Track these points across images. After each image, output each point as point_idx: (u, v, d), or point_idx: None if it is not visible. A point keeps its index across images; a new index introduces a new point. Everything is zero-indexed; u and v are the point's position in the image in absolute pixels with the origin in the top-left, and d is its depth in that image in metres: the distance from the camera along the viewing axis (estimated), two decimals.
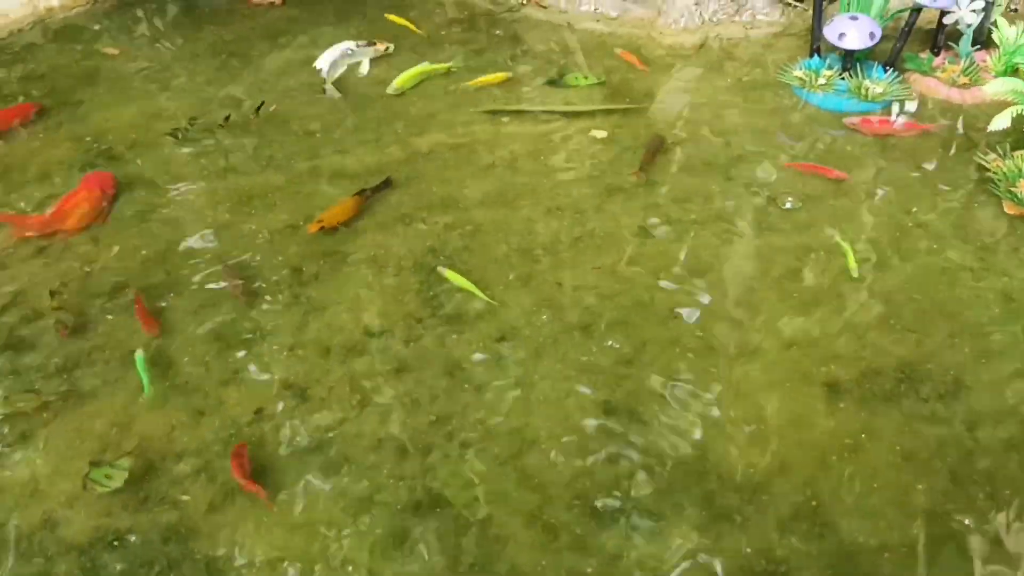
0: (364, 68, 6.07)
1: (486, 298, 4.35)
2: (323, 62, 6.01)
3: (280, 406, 3.90)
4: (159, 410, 3.88)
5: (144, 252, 4.66)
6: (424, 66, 5.95)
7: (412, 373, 4.05)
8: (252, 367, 4.08)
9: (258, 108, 5.51)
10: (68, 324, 4.22)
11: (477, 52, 6.19)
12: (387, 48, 6.18)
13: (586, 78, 5.88)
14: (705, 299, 4.34)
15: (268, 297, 4.40)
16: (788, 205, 4.79)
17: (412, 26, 6.48)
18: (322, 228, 4.68)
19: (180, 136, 5.40)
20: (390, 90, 5.80)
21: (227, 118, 5.45)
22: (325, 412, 3.88)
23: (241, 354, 4.13)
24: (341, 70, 6.04)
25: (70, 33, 6.66)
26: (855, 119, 5.43)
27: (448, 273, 4.46)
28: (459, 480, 3.62)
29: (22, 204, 4.99)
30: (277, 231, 4.77)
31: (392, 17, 6.54)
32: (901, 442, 3.76)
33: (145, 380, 3.95)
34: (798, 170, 4.72)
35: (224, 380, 4.02)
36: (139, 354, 4.02)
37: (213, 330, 4.24)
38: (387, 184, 5.00)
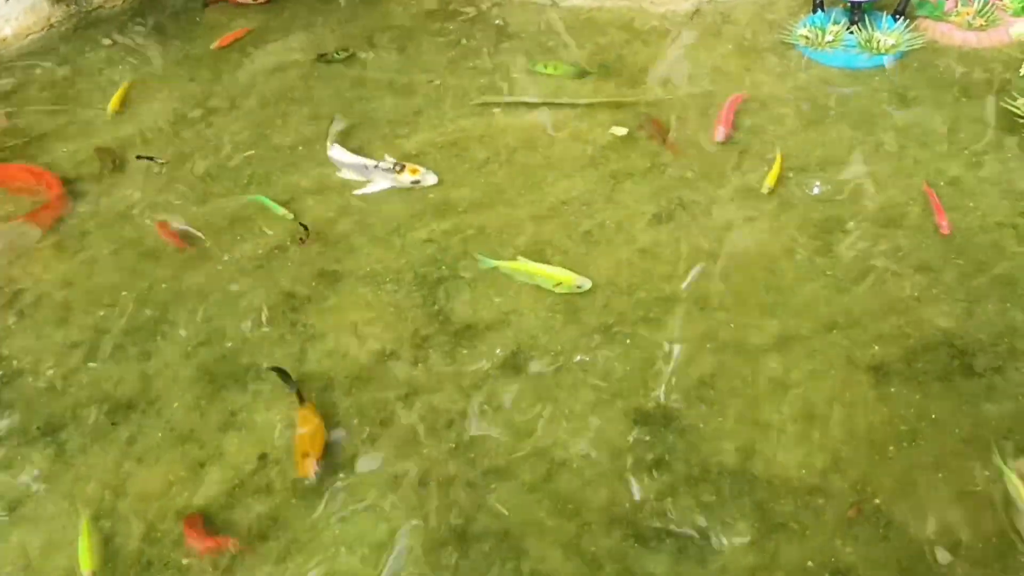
0: (371, 188, 4.79)
1: (577, 280, 4.07)
2: (337, 154, 4.94)
3: (285, 450, 3.59)
4: (153, 465, 3.58)
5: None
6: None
7: (424, 397, 3.74)
8: (251, 408, 3.77)
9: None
10: None
11: (458, 42, 5.83)
12: (417, 180, 4.72)
13: (555, 67, 5.53)
14: (727, 286, 4.00)
15: (267, 328, 4.09)
16: (816, 190, 4.45)
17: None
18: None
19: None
20: None
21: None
22: (335, 451, 3.57)
23: (236, 394, 3.82)
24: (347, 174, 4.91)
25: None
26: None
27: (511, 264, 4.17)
28: (487, 513, 3.32)
29: None
30: (264, 254, 4.44)
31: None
32: (960, 424, 3.45)
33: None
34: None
35: (222, 425, 3.72)
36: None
37: (202, 367, 3.93)
38: (305, 230, 4.46)
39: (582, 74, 5.47)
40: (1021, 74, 4.26)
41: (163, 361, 3.98)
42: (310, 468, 3.44)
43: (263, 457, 3.57)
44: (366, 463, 3.52)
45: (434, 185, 4.71)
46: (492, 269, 4.19)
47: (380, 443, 3.59)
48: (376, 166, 4.76)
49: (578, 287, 4.07)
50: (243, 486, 3.47)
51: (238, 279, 4.31)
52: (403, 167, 4.71)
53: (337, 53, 5.80)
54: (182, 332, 4.09)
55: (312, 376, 3.84)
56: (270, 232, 4.54)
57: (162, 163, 4.68)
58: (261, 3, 6.34)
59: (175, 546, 3.31)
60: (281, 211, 4.56)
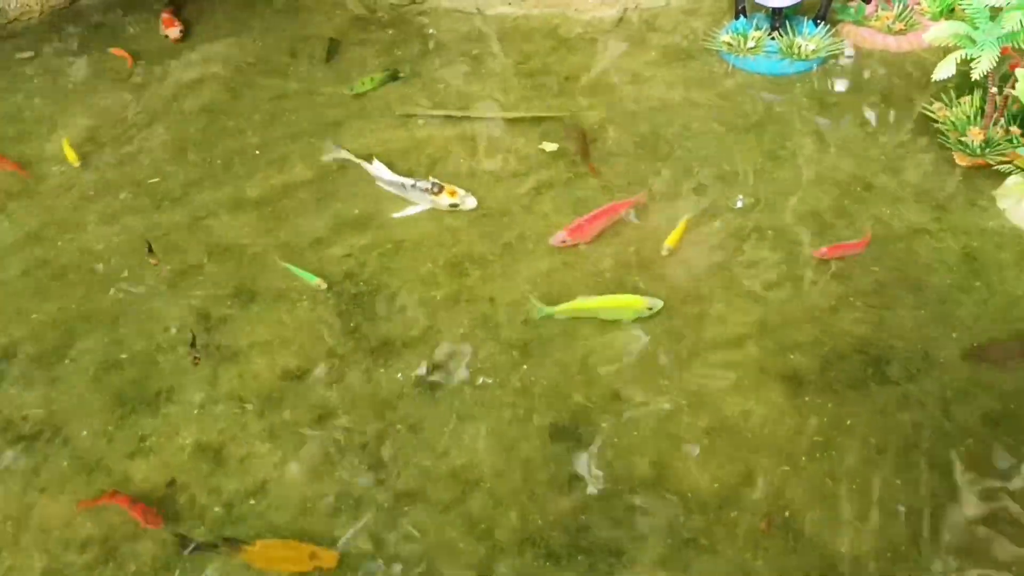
0: (409, 211, 4.59)
1: (648, 303, 3.91)
2: (377, 171, 4.73)
3: (194, 474, 3.51)
4: (58, 495, 3.48)
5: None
6: None
7: (338, 418, 3.67)
8: (160, 432, 3.68)
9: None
10: None
11: (383, 52, 5.76)
12: (455, 204, 4.50)
13: (372, 79, 5.46)
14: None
15: (179, 350, 3.99)
16: (739, 204, 4.44)
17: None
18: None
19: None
20: None
21: None
22: (244, 476, 3.50)
23: (147, 417, 3.73)
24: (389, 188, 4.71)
25: None
26: None
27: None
28: (397, 535, 3.26)
29: None
30: (179, 273, 4.34)
31: None
32: (874, 433, 3.45)
33: None
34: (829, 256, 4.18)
35: (130, 452, 3.62)
36: None
37: (112, 391, 3.83)
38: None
39: (394, 76, 5.50)
40: (933, 78, 4.26)
41: (70, 386, 3.87)
42: None
43: (171, 484, 3.49)
44: (278, 487, 3.45)
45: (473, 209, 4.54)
46: (548, 316, 3.95)
47: (290, 465, 3.52)
48: (414, 185, 4.57)
49: (649, 308, 3.91)
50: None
51: (150, 300, 4.21)
52: (441, 188, 4.51)
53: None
54: (91, 356, 3.99)
55: (223, 397, 3.76)
56: (185, 252, 4.44)
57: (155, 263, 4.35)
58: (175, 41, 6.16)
59: None
60: (315, 281, 4.16)
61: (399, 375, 3.80)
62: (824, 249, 4.13)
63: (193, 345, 3.89)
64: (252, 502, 3.41)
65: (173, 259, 4.39)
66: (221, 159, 5.02)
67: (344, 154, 4.88)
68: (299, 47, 5.94)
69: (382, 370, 3.83)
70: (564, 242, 4.26)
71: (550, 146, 4.89)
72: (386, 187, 4.70)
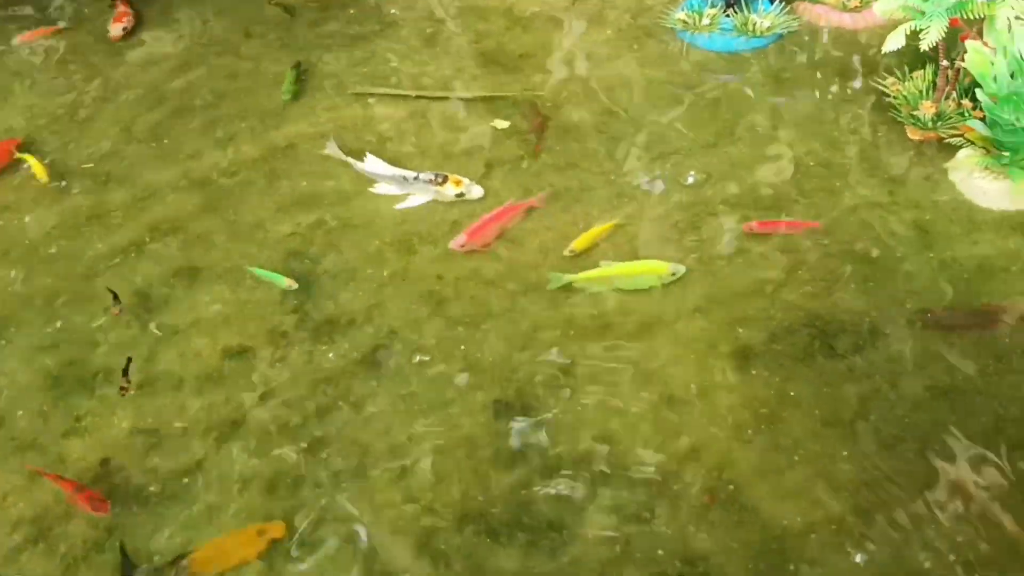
0: (411, 203, 4.39)
1: (671, 268, 3.84)
2: (371, 167, 4.51)
3: (129, 453, 3.44)
4: None
5: None
6: None
7: (279, 397, 3.61)
8: (96, 412, 3.61)
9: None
10: None
11: (338, 31, 5.67)
12: (461, 193, 4.31)
13: (289, 83, 5.18)
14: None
15: (118, 330, 3.91)
16: (691, 179, 4.39)
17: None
18: None
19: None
20: None
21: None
22: (181, 454, 3.43)
23: (83, 398, 3.65)
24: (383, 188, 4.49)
25: None
26: None
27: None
28: (335, 513, 3.20)
29: None
30: (120, 251, 4.25)
31: None
32: (820, 406, 3.42)
33: None
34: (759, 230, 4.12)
35: (65, 431, 3.55)
36: None
37: (48, 373, 3.75)
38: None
39: (298, 70, 5.25)
40: (883, 50, 4.22)
41: (5, 368, 3.79)
42: None
43: (105, 463, 3.42)
44: (213, 465, 3.38)
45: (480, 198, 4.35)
46: (566, 286, 3.88)
47: (229, 445, 3.46)
48: (416, 177, 4.35)
49: (672, 274, 3.86)
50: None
51: (90, 279, 4.13)
52: (445, 179, 4.30)
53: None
54: (27, 338, 3.91)
55: (162, 376, 3.69)
56: (127, 230, 4.36)
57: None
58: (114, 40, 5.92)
59: (7, 561, 3.15)
60: (285, 283, 3.98)
61: (342, 353, 3.74)
62: (754, 223, 4.11)
63: (126, 373, 3.64)
64: (186, 480, 3.34)
65: (114, 238, 4.31)
66: (169, 138, 4.92)
67: (338, 153, 4.63)
68: (254, 27, 5.84)
69: (325, 348, 3.77)
70: (462, 246, 4.13)
71: (501, 124, 4.82)
72: (385, 184, 4.46)
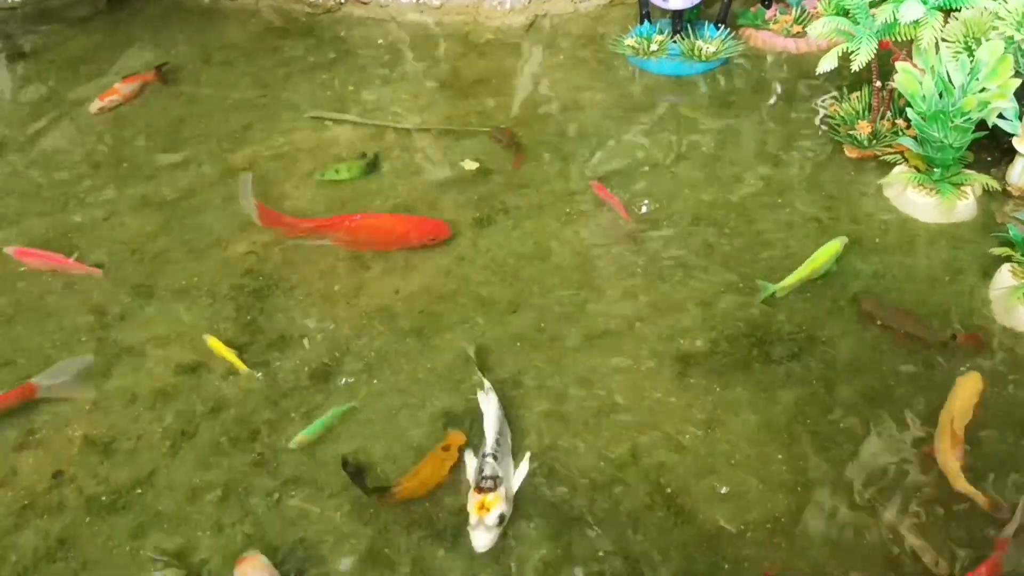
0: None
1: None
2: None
3: (82, 465, 3.49)
4: None
5: None
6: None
7: (231, 410, 3.67)
8: (51, 426, 3.66)
9: None
10: None
11: (296, 58, 5.80)
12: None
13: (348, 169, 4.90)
14: (541, 288, 4.04)
15: (73, 347, 3.97)
16: (644, 209, 4.52)
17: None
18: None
19: None
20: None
21: None
22: (132, 466, 3.48)
23: (37, 413, 3.70)
24: None
25: None
26: None
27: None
28: (281, 522, 3.26)
29: None
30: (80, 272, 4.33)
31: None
32: (757, 411, 3.53)
33: None
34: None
35: (18, 444, 3.60)
36: None
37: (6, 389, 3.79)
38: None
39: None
40: (817, 71, 4.39)
41: None
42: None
43: (58, 475, 3.47)
44: (164, 477, 3.44)
45: None
46: (771, 296, 3.96)
47: (182, 456, 3.51)
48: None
49: (843, 246, 4.04)
50: (32, 506, 3.36)
51: (46, 297, 4.19)
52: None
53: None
54: None
55: (114, 392, 3.75)
56: (86, 251, 4.43)
57: None
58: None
59: None
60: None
61: (294, 367, 3.82)
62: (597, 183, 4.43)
63: None
64: (139, 491, 3.39)
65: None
66: (128, 162, 5.02)
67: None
68: (214, 55, 5.97)
69: (278, 363, 3.84)
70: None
71: (471, 164, 4.88)
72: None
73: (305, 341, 3.92)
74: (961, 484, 3.14)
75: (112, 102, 5.53)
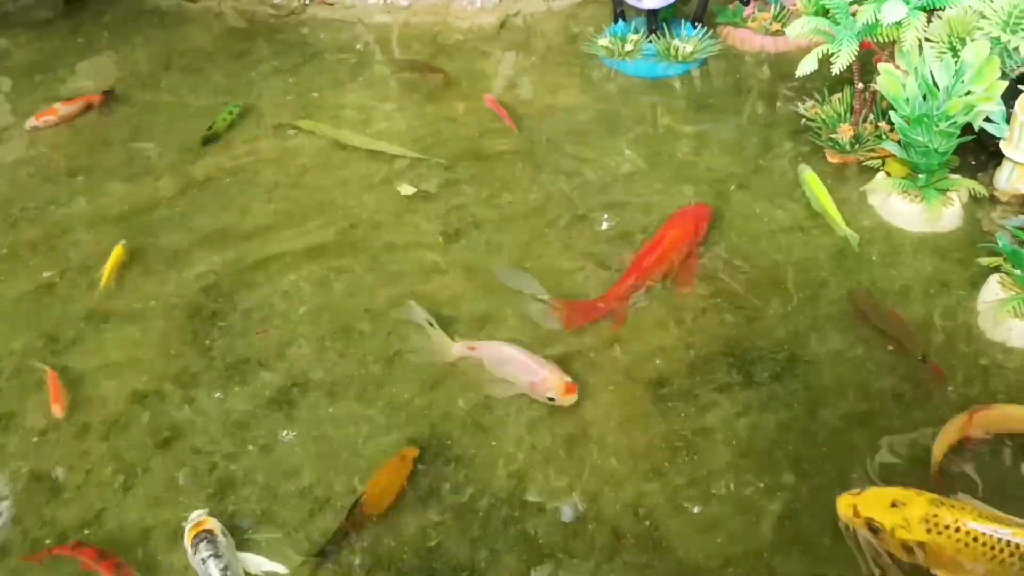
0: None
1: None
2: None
3: (28, 503, 3.31)
4: None
5: None
6: None
7: (187, 440, 3.50)
8: None
9: None
10: None
11: (260, 62, 5.61)
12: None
13: (230, 113, 5.13)
14: (513, 309, 3.88)
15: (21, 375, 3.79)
16: (605, 225, 4.33)
17: None
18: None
19: None
20: None
21: None
22: (81, 503, 3.30)
23: None
24: None
25: None
26: None
27: None
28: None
29: None
30: (28, 293, 4.13)
31: None
32: (737, 436, 3.37)
33: None
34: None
35: None
36: None
37: None
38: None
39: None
40: (797, 74, 4.23)
41: None
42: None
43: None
44: (115, 516, 3.27)
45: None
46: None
47: (135, 492, 3.34)
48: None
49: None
50: None
51: None
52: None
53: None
54: None
55: (66, 423, 3.57)
56: (37, 270, 4.24)
57: None
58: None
59: None
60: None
61: (252, 393, 3.64)
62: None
63: None
64: (87, 532, 3.22)
65: (22, 278, 4.19)
66: (83, 174, 4.82)
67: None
68: (175, 60, 5.76)
69: (236, 389, 3.67)
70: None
71: (407, 189, 4.62)
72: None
73: (263, 367, 3.75)
74: None
75: (47, 122, 5.29)
